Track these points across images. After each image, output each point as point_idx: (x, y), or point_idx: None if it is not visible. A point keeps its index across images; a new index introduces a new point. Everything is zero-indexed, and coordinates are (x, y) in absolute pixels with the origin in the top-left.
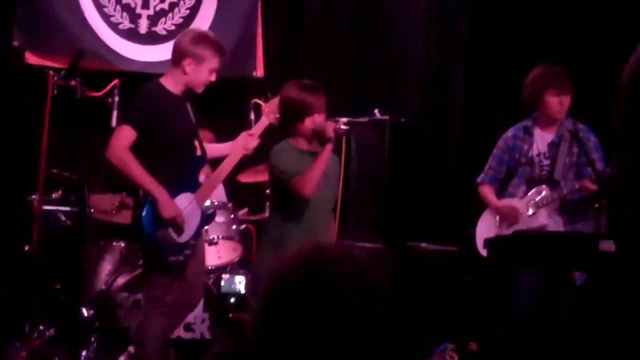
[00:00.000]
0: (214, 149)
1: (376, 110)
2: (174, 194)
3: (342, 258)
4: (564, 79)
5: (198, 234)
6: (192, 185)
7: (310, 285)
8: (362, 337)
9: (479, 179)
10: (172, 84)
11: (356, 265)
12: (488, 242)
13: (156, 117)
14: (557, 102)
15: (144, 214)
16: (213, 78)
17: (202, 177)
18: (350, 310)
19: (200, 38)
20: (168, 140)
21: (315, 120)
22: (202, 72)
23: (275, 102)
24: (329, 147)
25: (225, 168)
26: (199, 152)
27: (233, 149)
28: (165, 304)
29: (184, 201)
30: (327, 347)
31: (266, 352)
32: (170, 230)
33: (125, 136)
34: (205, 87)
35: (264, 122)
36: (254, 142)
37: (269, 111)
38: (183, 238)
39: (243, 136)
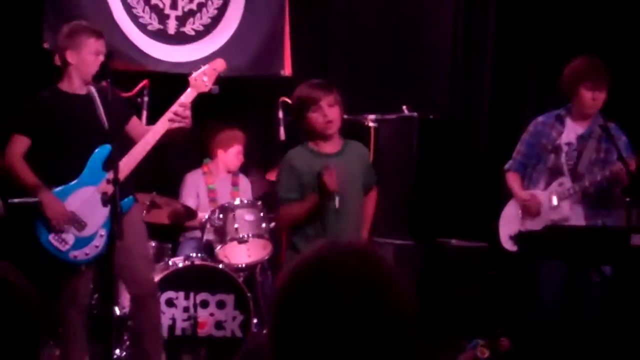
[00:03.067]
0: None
1: (404, 107)
2: (69, 191)
3: (348, 257)
4: (601, 74)
5: (111, 222)
6: (94, 178)
7: (311, 288)
8: (368, 341)
9: (506, 166)
10: (66, 84)
11: (363, 263)
12: (518, 237)
13: (44, 121)
14: (590, 97)
15: (35, 220)
16: (100, 59)
17: None
18: (351, 313)
19: (71, 28)
20: (57, 140)
21: (325, 113)
22: (86, 57)
23: (205, 70)
24: (316, 200)
25: (143, 144)
26: (107, 143)
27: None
28: (78, 301)
29: (82, 195)
30: (332, 352)
31: (281, 352)
32: (70, 227)
33: (16, 144)
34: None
35: (191, 92)
36: (186, 112)
37: (198, 82)
38: (86, 232)
39: (173, 106)
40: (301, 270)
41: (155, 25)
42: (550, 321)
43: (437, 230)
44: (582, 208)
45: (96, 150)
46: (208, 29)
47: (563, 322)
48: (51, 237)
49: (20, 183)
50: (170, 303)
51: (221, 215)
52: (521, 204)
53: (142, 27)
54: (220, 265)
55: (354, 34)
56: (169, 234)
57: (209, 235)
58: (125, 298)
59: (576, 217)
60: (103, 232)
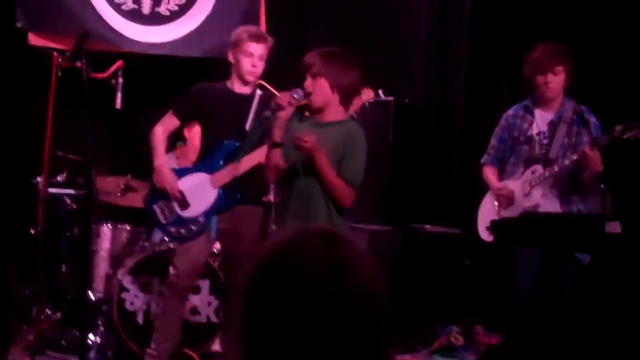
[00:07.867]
0: None
1: (380, 91)
2: (184, 172)
3: (314, 241)
4: (551, 57)
5: (211, 214)
6: (211, 167)
7: (275, 272)
8: (335, 325)
9: (482, 160)
10: (230, 80)
11: (329, 246)
12: (493, 225)
13: (197, 110)
14: (542, 81)
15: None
16: (251, 64)
17: None
18: (316, 297)
19: (239, 29)
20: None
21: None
22: (240, 59)
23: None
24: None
25: (252, 157)
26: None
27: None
28: (171, 279)
29: (195, 179)
30: (299, 336)
31: (249, 339)
32: (174, 203)
33: (166, 120)
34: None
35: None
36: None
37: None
38: (187, 213)
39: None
40: (267, 255)
41: (129, 4)
42: (523, 307)
43: (412, 216)
44: (555, 194)
45: (224, 142)
46: (183, 9)
47: (537, 309)
48: (157, 206)
49: (151, 152)
50: (145, 288)
51: None
52: (495, 195)
53: (117, 7)
54: None
55: (331, 17)
56: (144, 218)
57: None
58: (100, 282)
59: (549, 203)
60: (202, 218)
